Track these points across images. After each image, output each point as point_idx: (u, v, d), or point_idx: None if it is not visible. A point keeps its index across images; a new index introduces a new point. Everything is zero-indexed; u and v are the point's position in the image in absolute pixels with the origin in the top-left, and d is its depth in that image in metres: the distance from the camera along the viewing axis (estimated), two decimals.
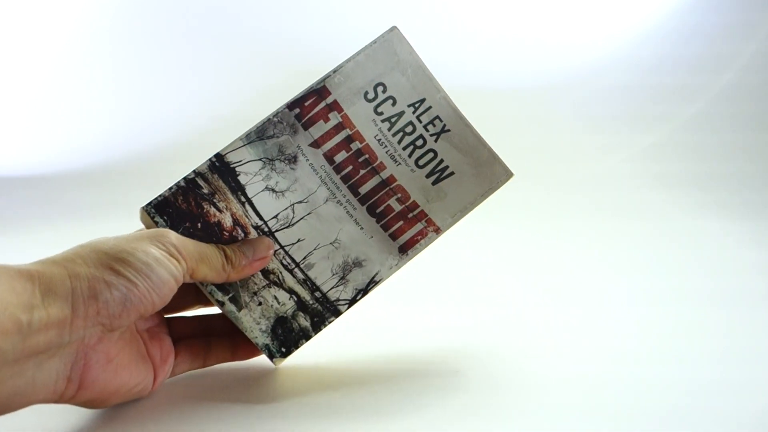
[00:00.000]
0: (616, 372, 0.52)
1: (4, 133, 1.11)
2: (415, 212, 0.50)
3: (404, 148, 0.51)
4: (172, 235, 0.44)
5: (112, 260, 0.40)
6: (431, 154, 0.51)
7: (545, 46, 1.24)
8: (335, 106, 0.50)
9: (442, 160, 0.51)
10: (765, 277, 0.73)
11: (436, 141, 0.51)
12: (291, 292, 0.48)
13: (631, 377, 0.51)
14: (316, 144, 0.50)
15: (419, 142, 0.51)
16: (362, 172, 0.50)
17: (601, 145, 1.10)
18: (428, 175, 0.51)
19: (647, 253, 0.80)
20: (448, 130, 0.52)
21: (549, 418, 0.46)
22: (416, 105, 0.52)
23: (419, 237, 0.50)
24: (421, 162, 0.51)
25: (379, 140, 0.50)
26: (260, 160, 0.49)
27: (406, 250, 0.50)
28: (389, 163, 0.50)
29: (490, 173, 0.52)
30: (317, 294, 0.48)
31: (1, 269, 0.37)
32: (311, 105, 0.50)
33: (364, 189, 0.50)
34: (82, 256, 0.40)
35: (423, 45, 1.34)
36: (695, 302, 0.66)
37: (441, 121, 0.52)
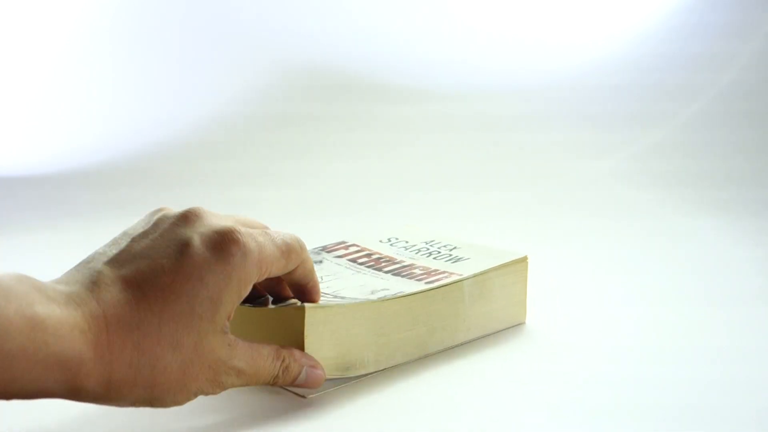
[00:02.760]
0: (615, 371, 0.52)
1: (4, 133, 1.11)
2: (437, 272, 0.56)
3: (421, 255, 0.60)
4: (232, 377, 0.42)
5: (153, 393, 0.39)
6: (447, 253, 0.60)
7: (545, 45, 1.24)
8: (354, 245, 0.62)
9: (458, 249, 0.61)
10: (764, 276, 0.73)
11: (450, 251, 0.61)
12: None
13: (630, 376, 0.51)
14: (339, 255, 0.60)
15: (435, 254, 0.60)
16: (383, 263, 0.59)
17: (601, 145, 1.10)
18: (446, 260, 0.59)
19: (647, 252, 0.80)
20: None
21: (545, 416, 0.46)
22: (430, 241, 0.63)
23: (442, 277, 0.55)
24: (439, 257, 0.60)
25: (397, 254, 0.60)
26: None
27: (432, 282, 0.54)
28: (409, 260, 0.59)
29: (505, 254, 0.59)
30: (347, 300, 0.51)
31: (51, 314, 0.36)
32: (333, 245, 0.62)
33: (386, 269, 0.57)
34: (153, 357, 0.38)
35: (423, 44, 1.35)
36: (694, 301, 0.66)
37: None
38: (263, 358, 0.43)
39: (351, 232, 0.66)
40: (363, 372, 0.50)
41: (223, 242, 0.40)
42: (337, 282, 0.54)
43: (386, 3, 1.26)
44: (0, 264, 0.77)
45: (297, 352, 0.45)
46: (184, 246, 0.40)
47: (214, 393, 0.42)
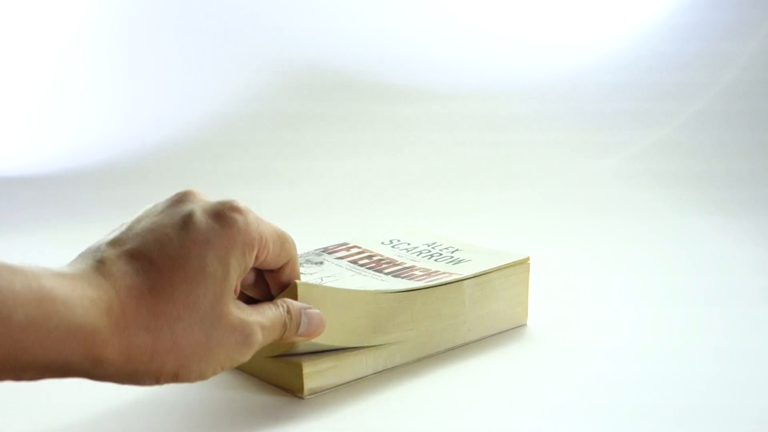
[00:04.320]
0: (616, 372, 0.52)
1: (4, 133, 1.11)
2: (437, 273, 0.56)
3: (423, 257, 0.60)
4: (258, 334, 0.41)
5: (177, 359, 0.38)
6: (449, 255, 0.60)
7: (545, 44, 1.24)
8: (356, 246, 0.62)
9: (460, 251, 0.61)
10: (764, 276, 0.73)
11: (452, 252, 0.61)
12: None
13: (632, 377, 0.51)
14: (340, 257, 0.60)
15: (436, 256, 0.60)
16: (384, 264, 0.59)
17: (602, 144, 1.10)
18: (448, 262, 0.59)
19: (647, 252, 0.80)
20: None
21: (544, 416, 0.46)
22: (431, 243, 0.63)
23: (442, 277, 0.55)
24: (440, 259, 0.60)
25: (399, 256, 0.60)
26: None
27: (430, 283, 0.54)
28: (410, 262, 0.59)
29: (507, 255, 0.59)
30: None
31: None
32: (334, 246, 0.62)
33: (386, 271, 0.57)
34: (176, 338, 0.37)
35: (423, 44, 1.35)
36: (695, 301, 0.66)
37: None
38: (270, 308, 0.43)
39: (351, 232, 0.67)
40: (362, 375, 0.50)
41: (225, 210, 0.41)
42: (336, 283, 0.54)
43: (386, 3, 1.26)
44: None
45: (288, 299, 0.45)
46: (188, 217, 0.40)
47: (243, 358, 0.41)
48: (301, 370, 0.47)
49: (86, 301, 0.36)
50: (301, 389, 0.47)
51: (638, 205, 0.96)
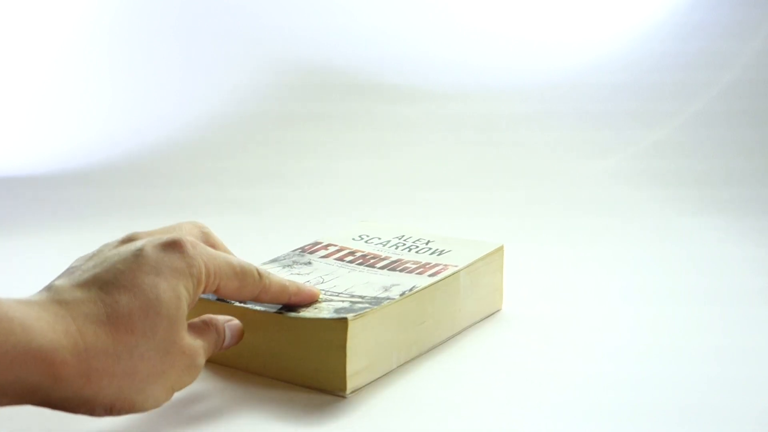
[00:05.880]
0: (615, 369, 0.52)
1: (4, 133, 1.11)
2: (430, 266, 0.57)
3: (401, 250, 0.61)
4: (201, 356, 0.43)
5: (134, 384, 0.39)
6: (425, 247, 0.62)
7: (546, 44, 1.24)
8: (332, 244, 0.62)
9: (433, 242, 0.63)
10: (764, 276, 0.73)
11: (427, 244, 0.62)
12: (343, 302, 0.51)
13: (630, 374, 0.51)
14: (323, 256, 0.60)
15: (414, 249, 0.62)
16: (371, 260, 0.59)
17: (601, 144, 1.10)
18: (430, 253, 0.60)
19: (646, 251, 0.80)
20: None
21: (543, 416, 0.46)
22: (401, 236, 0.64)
23: (439, 269, 0.57)
24: (420, 251, 0.61)
25: (378, 250, 0.61)
26: (280, 267, 0.57)
27: (435, 275, 0.55)
28: (395, 256, 0.60)
29: (482, 244, 0.62)
30: (367, 299, 0.51)
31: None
32: (310, 246, 0.62)
33: (378, 266, 0.58)
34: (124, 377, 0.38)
35: (423, 43, 1.34)
36: (694, 300, 0.66)
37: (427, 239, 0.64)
38: (207, 328, 0.45)
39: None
40: (388, 370, 0.51)
41: (173, 243, 0.42)
42: (340, 281, 0.55)
43: (387, 2, 1.26)
44: (0, 264, 0.77)
45: (211, 315, 0.47)
46: (138, 251, 0.41)
47: (189, 382, 0.43)
48: (345, 372, 0.47)
49: (43, 323, 0.36)
50: (344, 389, 0.48)
51: (638, 205, 0.96)
